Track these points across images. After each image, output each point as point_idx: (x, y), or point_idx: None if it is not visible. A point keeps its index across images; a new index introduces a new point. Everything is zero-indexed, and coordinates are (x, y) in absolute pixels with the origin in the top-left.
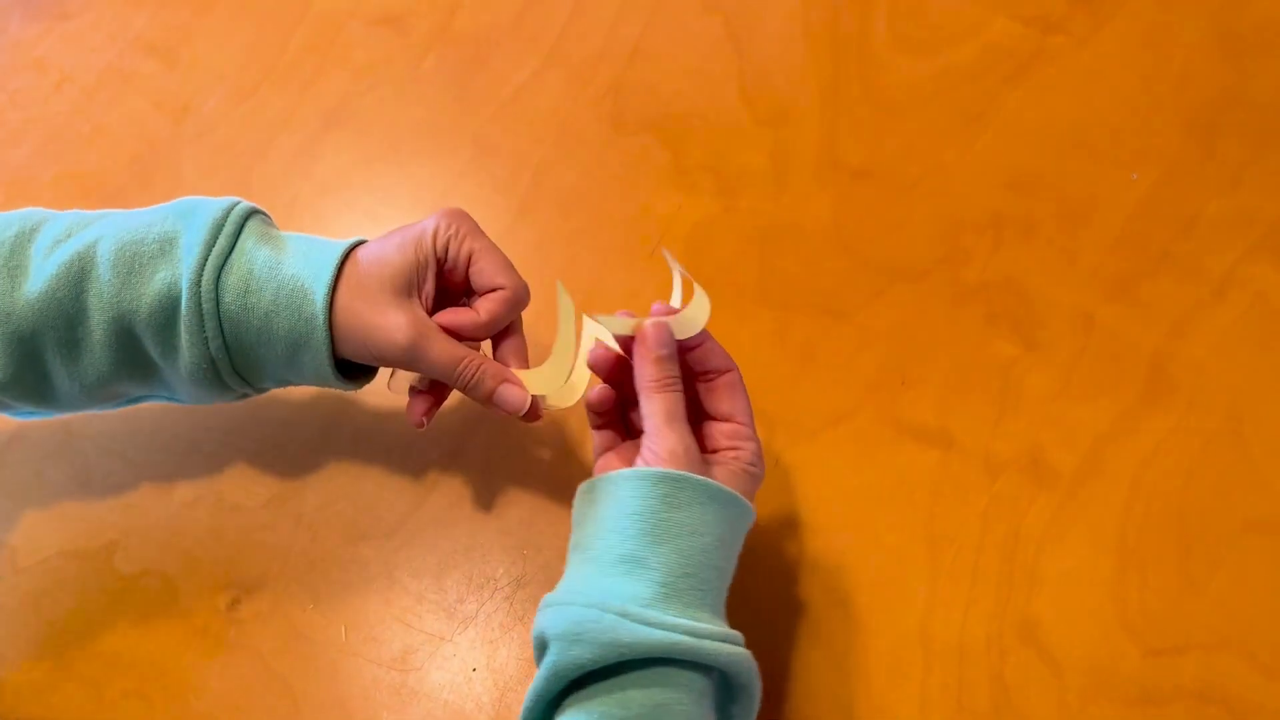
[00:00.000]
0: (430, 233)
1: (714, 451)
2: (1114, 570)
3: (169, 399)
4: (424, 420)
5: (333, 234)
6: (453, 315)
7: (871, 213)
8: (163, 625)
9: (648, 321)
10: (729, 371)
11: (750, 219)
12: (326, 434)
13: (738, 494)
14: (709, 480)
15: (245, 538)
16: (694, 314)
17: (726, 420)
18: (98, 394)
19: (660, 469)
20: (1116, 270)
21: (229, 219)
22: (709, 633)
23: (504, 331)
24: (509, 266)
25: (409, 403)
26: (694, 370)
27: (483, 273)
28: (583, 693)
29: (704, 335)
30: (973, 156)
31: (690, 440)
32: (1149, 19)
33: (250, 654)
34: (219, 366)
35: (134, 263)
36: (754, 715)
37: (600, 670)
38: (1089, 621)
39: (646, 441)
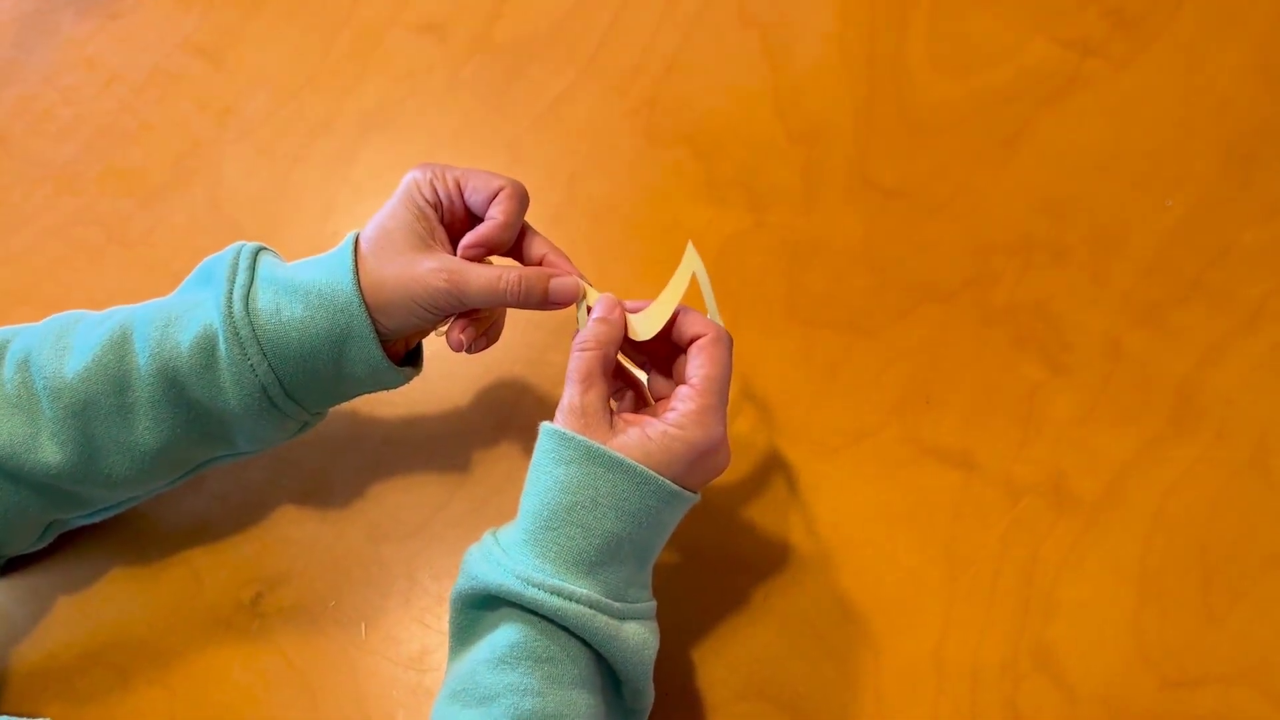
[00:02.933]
0: (412, 186)
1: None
2: (1133, 599)
3: (233, 456)
4: (462, 339)
5: None
6: (473, 235)
7: (901, 232)
8: (188, 615)
9: (603, 294)
10: (703, 335)
11: (780, 234)
12: (354, 435)
13: (625, 458)
14: (593, 443)
15: (272, 533)
16: (642, 321)
17: (685, 382)
18: (160, 463)
19: (552, 425)
20: (1147, 297)
21: (240, 258)
22: (541, 582)
23: (523, 237)
24: (497, 174)
25: (447, 329)
26: (680, 344)
27: (477, 190)
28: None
29: (679, 309)
30: (1005, 178)
31: (587, 398)
32: (1189, 46)
33: (271, 648)
34: (270, 393)
35: (170, 319)
36: (639, 692)
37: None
38: (1106, 650)
39: None
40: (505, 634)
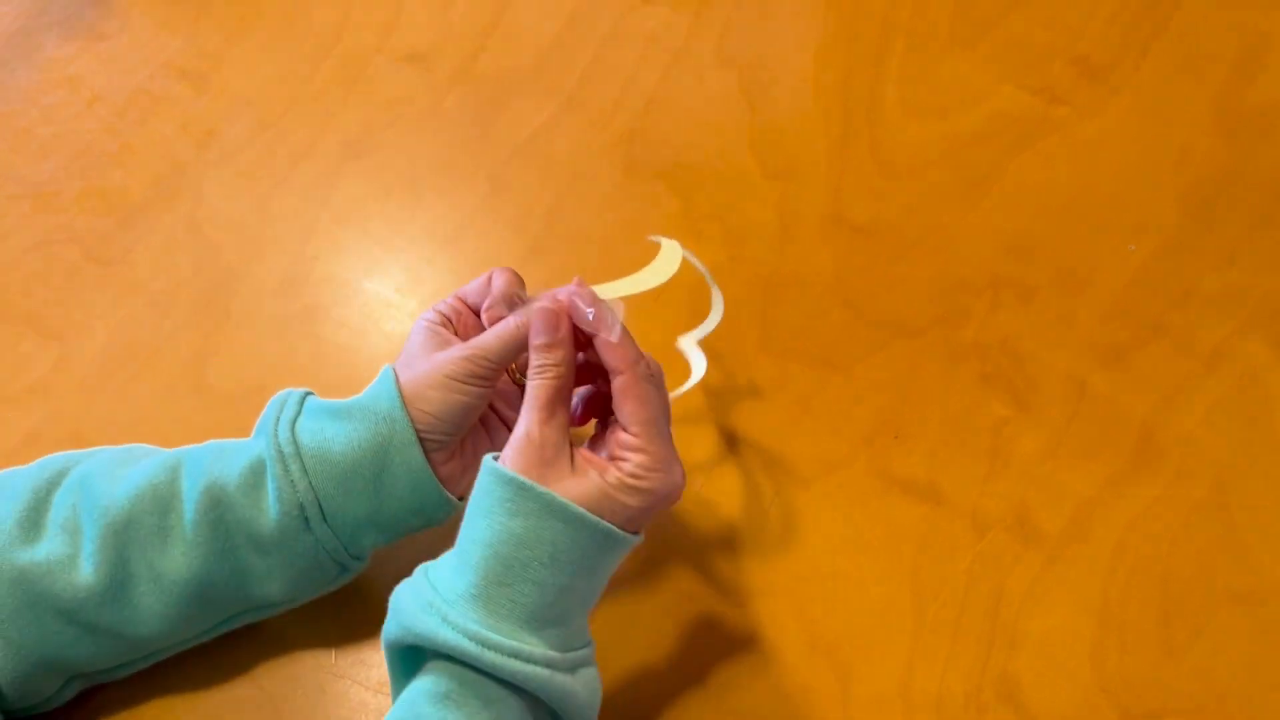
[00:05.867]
0: (420, 319)
1: (609, 458)
2: (1094, 633)
3: (266, 609)
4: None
5: (348, 262)
6: (489, 298)
7: (873, 269)
8: None
9: (537, 304)
10: (621, 374)
11: (754, 269)
12: None
13: (588, 514)
14: (554, 496)
15: None
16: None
17: (623, 428)
18: (188, 600)
19: (509, 472)
20: (1110, 338)
21: (289, 398)
22: (498, 644)
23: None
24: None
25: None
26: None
27: (472, 292)
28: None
29: (602, 330)
30: (974, 219)
31: (549, 431)
32: (1152, 96)
33: (240, 670)
34: (307, 512)
35: (224, 449)
36: None
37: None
38: (1068, 683)
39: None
40: (452, 670)
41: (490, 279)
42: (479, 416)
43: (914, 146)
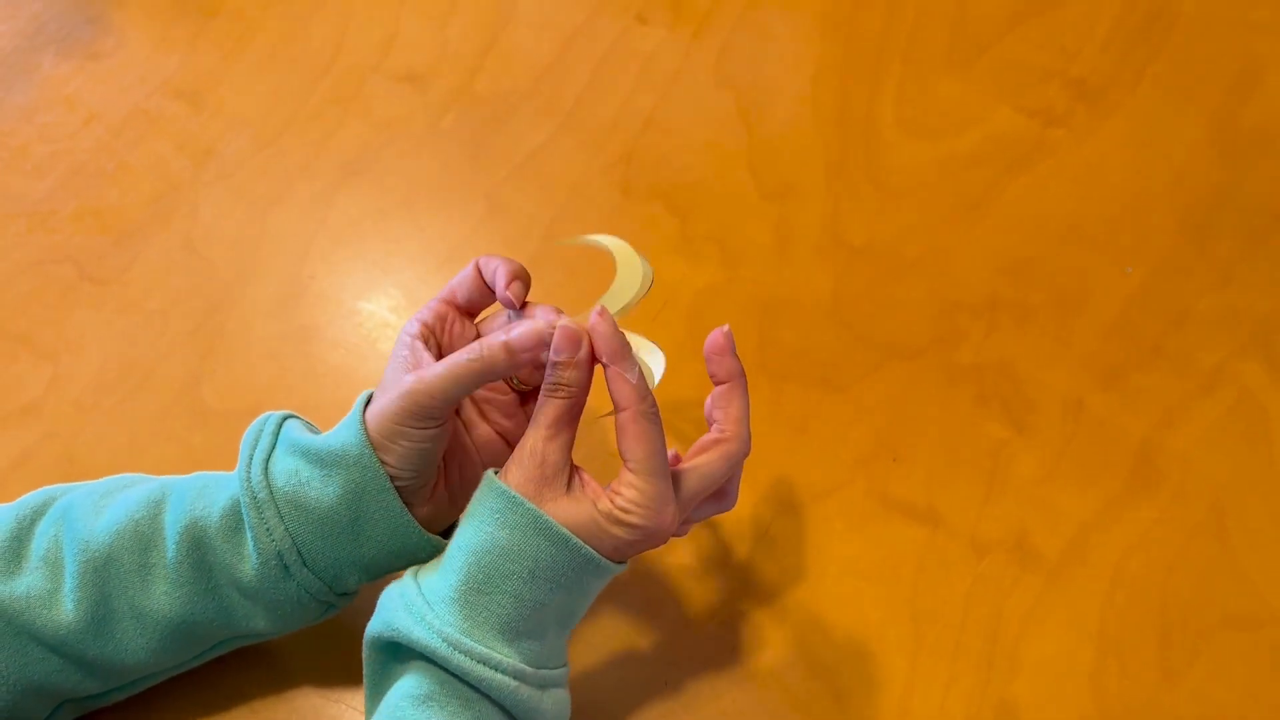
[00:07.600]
0: (402, 330)
1: (606, 487)
2: (1093, 657)
3: (253, 637)
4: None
5: (344, 282)
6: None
7: (870, 290)
8: None
9: (561, 323)
10: (625, 410)
11: (752, 290)
12: None
13: (573, 537)
14: (542, 514)
15: None
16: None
17: (624, 461)
18: (173, 637)
19: (502, 484)
20: (1108, 360)
21: (265, 426)
22: (469, 649)
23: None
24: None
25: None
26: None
27: (462, 283)
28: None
29: (618, 361)
30: (971, 241)
31: (551, 449)
32: (1148, 118)
33: (237, 698)
34: (286, 560)
35: (206, 484)
36: None
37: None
38: (1067, 707)
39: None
40: (433, 671)
41: (477, 269)
42: (475, 436)
43: (911, 168)
